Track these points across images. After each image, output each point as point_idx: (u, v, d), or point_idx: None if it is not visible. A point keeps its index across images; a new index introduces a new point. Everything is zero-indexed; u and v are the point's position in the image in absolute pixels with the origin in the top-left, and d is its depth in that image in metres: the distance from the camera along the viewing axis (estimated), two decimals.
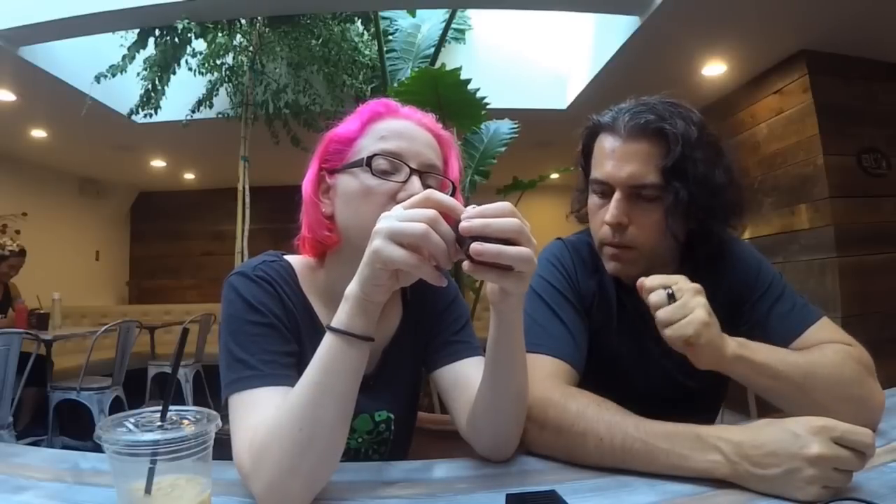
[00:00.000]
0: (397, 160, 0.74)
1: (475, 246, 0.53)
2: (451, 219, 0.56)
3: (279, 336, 0.72)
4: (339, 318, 0.60)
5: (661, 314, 0.68)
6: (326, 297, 0.81)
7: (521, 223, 0.56)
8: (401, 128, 0.77)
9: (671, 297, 0.68)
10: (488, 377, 0.70)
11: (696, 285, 0.71)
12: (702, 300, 0.70)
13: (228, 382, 0.68)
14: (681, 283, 0.71)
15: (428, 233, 0.54)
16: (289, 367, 0.70)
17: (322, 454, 0.60)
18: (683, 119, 0.85)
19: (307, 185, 0.80)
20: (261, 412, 0.63)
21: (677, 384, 0.91)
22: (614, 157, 0.86)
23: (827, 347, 0.81)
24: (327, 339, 0.60)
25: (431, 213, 0.55)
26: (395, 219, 0.55)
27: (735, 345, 0.72)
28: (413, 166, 0.74)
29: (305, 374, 0.61)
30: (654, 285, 0.70)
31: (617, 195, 0.85)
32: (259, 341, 0.70)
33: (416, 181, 0.73)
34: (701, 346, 0.68)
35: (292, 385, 0.64)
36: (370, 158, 0.73)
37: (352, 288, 0.60)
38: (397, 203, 0.67)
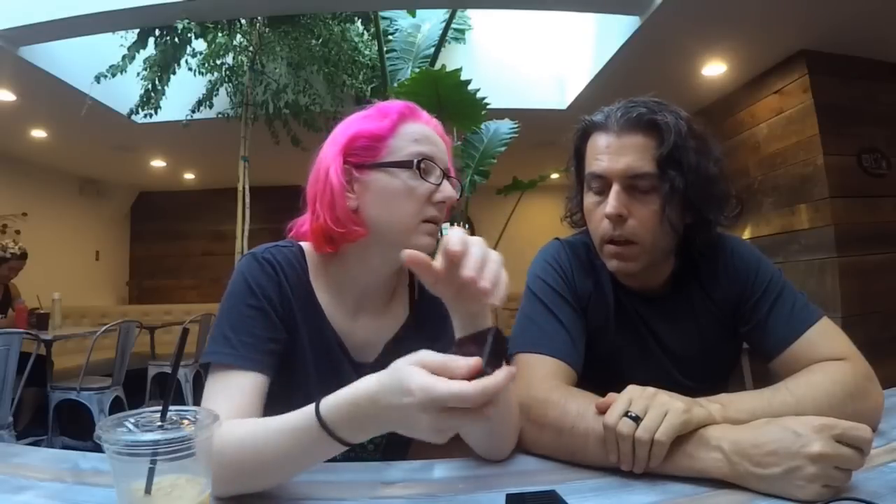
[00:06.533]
0: (432, 163, 0.79)
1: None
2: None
3: (267, 322, 0.75)
4: (342, 422, 0.56)
5: (642, 435, 0.64)
6: (337, 288, 0.83)
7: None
8: (428, 132, 0.81)
9: (636, 418, 0.66)
10: None
11: (647, 389, 0.69)
12: (663, 396, 0.68)
13: (209, 351, 0.73)
14: (633, 397, 0.68)
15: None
16: (267, 354, 0.73)
17: (265, 482, 0.63)
18: (672, 113, 0.87)
19: (337, 178, 0.78)
20: (228, 401, 0.67)
21: (677, 384, 0.91)
22: (609, 152, 0.88)
23: (817, 370, 0.80)
24: (307, 419, 0.56)
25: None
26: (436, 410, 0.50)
27: (719, 407, 0.70)
28: (441, 169, 0.80)
29: (274, 428, 0.59)
30: (614, 419, 0.67)
31: (615, 187, 0.86)
32: (247, 322, 0.74)
33: (447, 184, 0.79)
34: (693, 427, 0.67)
35: (264, 372, 0.71)
36: (419, 161, 0.78)
37: (374, 408, 0.54)
38: (432, 203, 0.76)
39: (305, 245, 0.85)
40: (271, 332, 0.75)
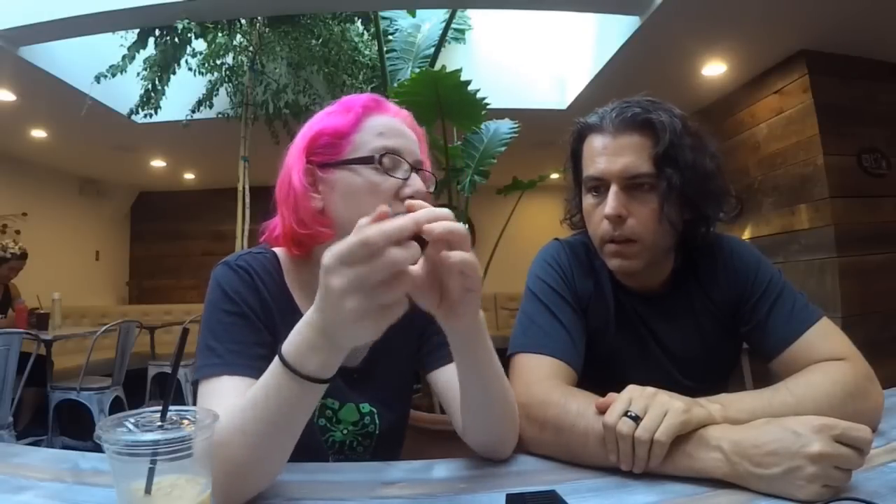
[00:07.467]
0: (399, 157, 0.75)
1: (429, 226, 0.50)
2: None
3: (250, 327, 0.73)
4: (298, 350, 0.55)
5: (642, 434, 0.64)
6: (314, 291, 0.81)
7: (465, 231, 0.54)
8: (394, 125, 0.78)
9: (636, 418, 0.66)
10: (465, 393, 0.70)
11: (647, 388, 0.69)
12: (662, 396, 0.68)
13: (198, 367, 0.70)
14: (633, 397, 0.68)
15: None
16: (256, 359, 0.70)
17: (258, 467, 0.60)
18: (666, 111, 0.87)
19: (298, 179, 0.76)
20: (221, 404, 0.62)
21: (677, 384, 0.91)
22: (606, 153, 0.88)
23: (817, 370, 0.80)
24: (276, 369, 0.56)
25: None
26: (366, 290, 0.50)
27: (719, 407, 0.71)
28: (410, 163, 0.75)
29: (250, 397, 0.58)
30: (614, 419, 0.66)
31: (613, 188, 0.87)
32: (230, 330, 0.72)
33: (416, 178, 0.75)
34: (693, 427, 0.67)
35: (257, 377, 0.65)
36: (381, 156, 0.73)
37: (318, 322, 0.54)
38: (400, 199, 0.71)
39: (279, 249, 0.82)
40: (256, 336, 0.73)
